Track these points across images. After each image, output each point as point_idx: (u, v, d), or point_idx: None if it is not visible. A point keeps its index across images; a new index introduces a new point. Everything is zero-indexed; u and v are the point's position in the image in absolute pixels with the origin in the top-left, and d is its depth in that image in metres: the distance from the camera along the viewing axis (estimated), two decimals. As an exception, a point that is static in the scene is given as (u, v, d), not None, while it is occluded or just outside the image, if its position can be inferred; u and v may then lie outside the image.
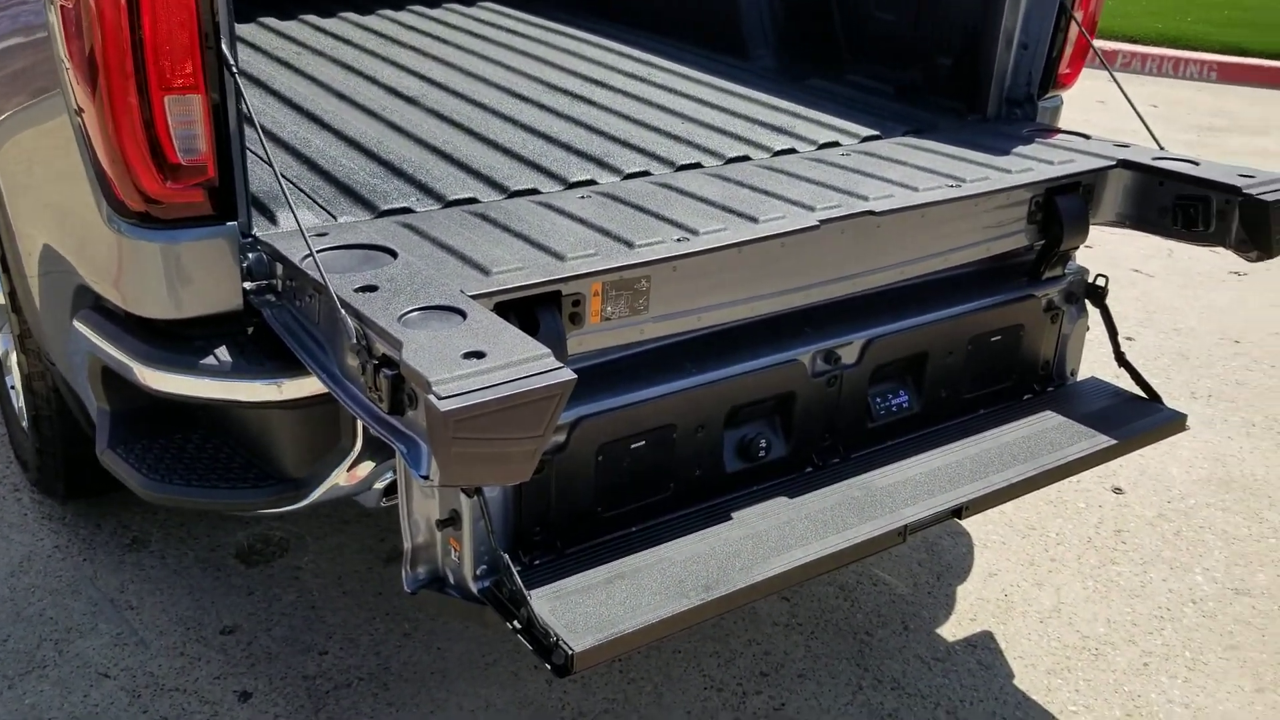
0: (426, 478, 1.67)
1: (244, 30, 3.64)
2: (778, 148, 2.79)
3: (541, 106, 3.00)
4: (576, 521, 2.15)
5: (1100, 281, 2.81)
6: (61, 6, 1.93)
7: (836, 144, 2.86)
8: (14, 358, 3.03)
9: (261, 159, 2.30)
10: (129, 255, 2.03)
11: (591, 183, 2.51)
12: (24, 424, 3.10)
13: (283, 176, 2.32)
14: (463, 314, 1.78)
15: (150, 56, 1.88)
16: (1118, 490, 3.59)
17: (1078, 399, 2.75)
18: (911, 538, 3.10)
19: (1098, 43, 9.54)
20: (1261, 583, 3.20)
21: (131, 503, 3.21)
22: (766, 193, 2.43)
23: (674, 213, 2.29)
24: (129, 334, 2.11)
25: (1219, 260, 5.43)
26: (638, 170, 2.58)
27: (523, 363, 1.64)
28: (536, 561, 2.10)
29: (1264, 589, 3.17)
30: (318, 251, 1.91)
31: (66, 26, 1.93)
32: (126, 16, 1.86)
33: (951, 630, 2.94)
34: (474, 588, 2.00)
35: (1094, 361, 3.60)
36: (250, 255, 2.05)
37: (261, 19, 3.79)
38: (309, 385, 2.05)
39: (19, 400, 3.11)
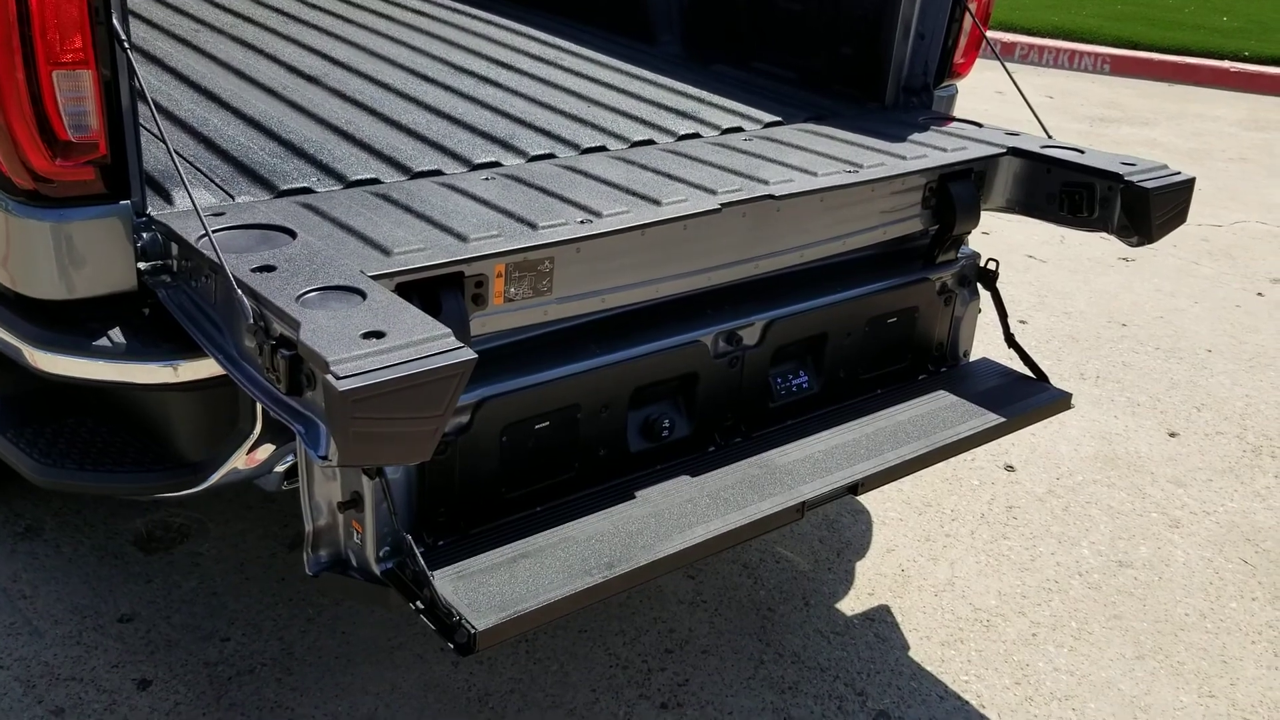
0: (325, 458, 1.66)
1: (138, 5, 3.55)
2: (682, 132, 2.82)
3: (446, 88, 2.99)
4: (481, 502, 2.16)
5: (991, 265, 2.91)
6: (-58, -23, 1.87)
7: (740, 129, 2.90)
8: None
9: (155, 136, 2.25)
10: (17, 234, 1.98)
11: (496, 165, 2.51)
12: (-93, 410, 2.99)
13: (178, 155, 2.28)
14: (362, 294, 1.77)
15: (37, 30, 1.83)
16: (1009, 468, 3.72)
17: (970, 379, 2.84)
18: (812, 515, 3.17)
19: (995, 34, 9.79)
20: (1143, 555, 3.35)
21: (24, 490, 3.12)
22: (670, 176, 2.46)
23: (578, 195, 2.30)
24: (18, 315, 2.05)
25: (1108, 247, 5.63)
26: (543, 153, 2.59)
27: (423, 342, 1.65)
28: (440, 543, 2.11)
29: (1145, 561, 3.32)
30: (214, 231, 1.88)
31: (-52, 0, 1.87)
32: (12, -11, 1.81)
33: (850, 604, 3.02)
34: (377, 569, 2.00)
35: (986, 343, 3.72)
36: (144, 235, 2.01)
37: (157, -6, 3.70)
38: (206, 367, 2.02)
39: (-99, 385, 3.00)
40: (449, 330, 1.68)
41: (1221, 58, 9.56)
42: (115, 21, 1.89)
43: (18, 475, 2.22)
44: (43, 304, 2.05)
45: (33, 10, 1.82)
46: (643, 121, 2.88)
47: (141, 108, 2.01)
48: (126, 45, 1.90)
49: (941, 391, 2.75)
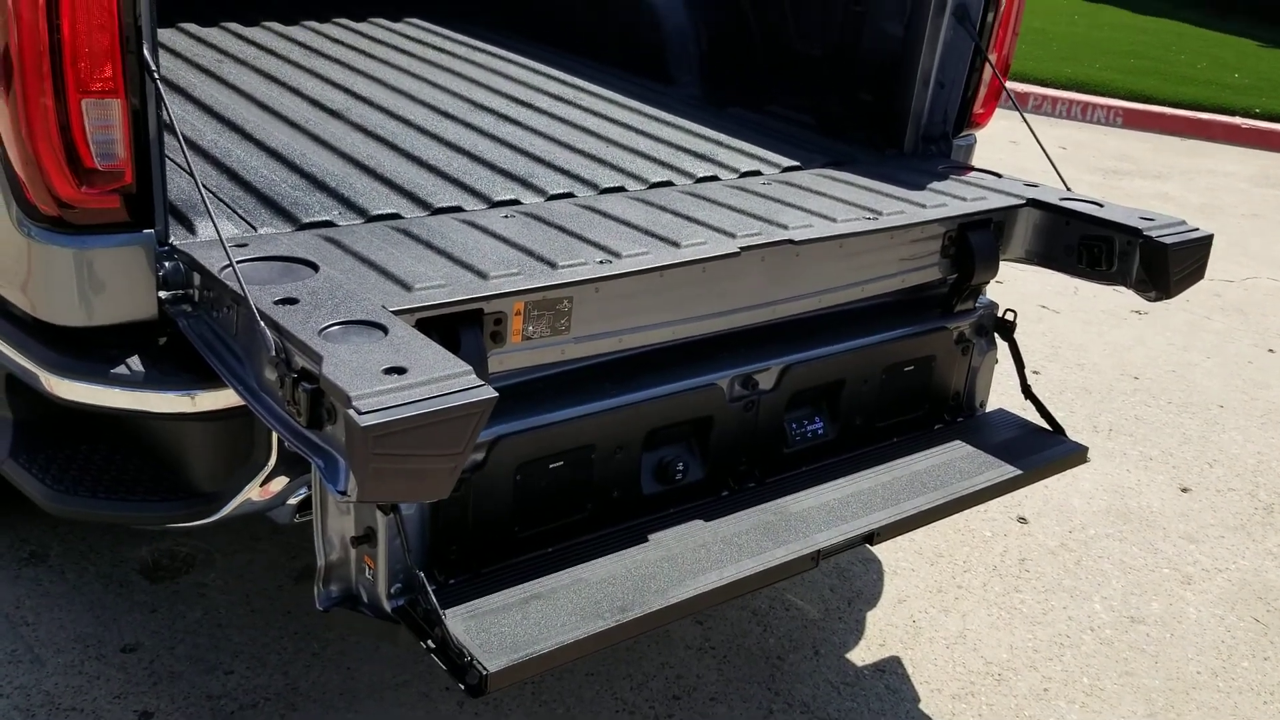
0: (344, 493, 1.65)
1: (163, 35, 3.57)
2: (700, 174, 2.83)
3: (467, 125, 3.00)
4: (493, 541, 2.15)
5: (1009, 316, 2.90)
6: (-23, 4, 1.88)
7: (758, 173, 2.91)
8: (-91, 363, 2.92)
9: (181, 167, 2.26)
10: (39, 260, 1.98)
11: (516, 202, 2.52)
12: (-83, 432, 2.98)
13: (203, 185, 2.29)
14: (384, 329, 1.77)
15: (69, 58, 1.85)
16: (1022, 520, 3.69)
17: (986, 430, 2.83)
18: (825, 563, 3.15)
19: (1011, 85, 9.85)
20: (1155, 611, 3.31)
21: (30, 515, 3.10)
22: (689, 218, 2.46)
23: (597, 235, 2.31)
24: (36, 341, 2.05)
25: (1121, 299, 5.63)
26: (562, 191, 2.60)
27: (444, 380, 1.64)
28: (452, 581, 2.09)
29: (1158, 617, 3.28)
30: (237, 262, 1.88)
31: (-18, 28, 1.88)
32: (45, 17, 1.82)
33: (861, 655, 2.99)
34: (388, 606, 1.98)
35: (1001, 393, 3.71)
36: (166, 264, 2.02)
37: (182, 24, 3.73)
38: (223, 398, 2.01)
39: (-87, 407, 3.00)
40: (470, 368, 1.68)
41: (1233, 114, 9.61)
42: (145, 52, 1.90)
43: (24, 499, 2.21)
44: (61, 330, 2.05)
45: (64, 38, 1.84)
46: (661, 163, 2.89)
47: (168, 138, 2.02)
48: (156, 75, 1.91)
49: (958, 441, 2.73)
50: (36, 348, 2.05)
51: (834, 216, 2.54)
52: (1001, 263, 2.82)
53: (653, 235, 2.34)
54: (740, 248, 2.31)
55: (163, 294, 2.02)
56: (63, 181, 1.91)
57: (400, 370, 1.64)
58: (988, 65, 3.11)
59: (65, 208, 1.93)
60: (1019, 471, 2.64)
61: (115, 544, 3.09)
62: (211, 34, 3.65)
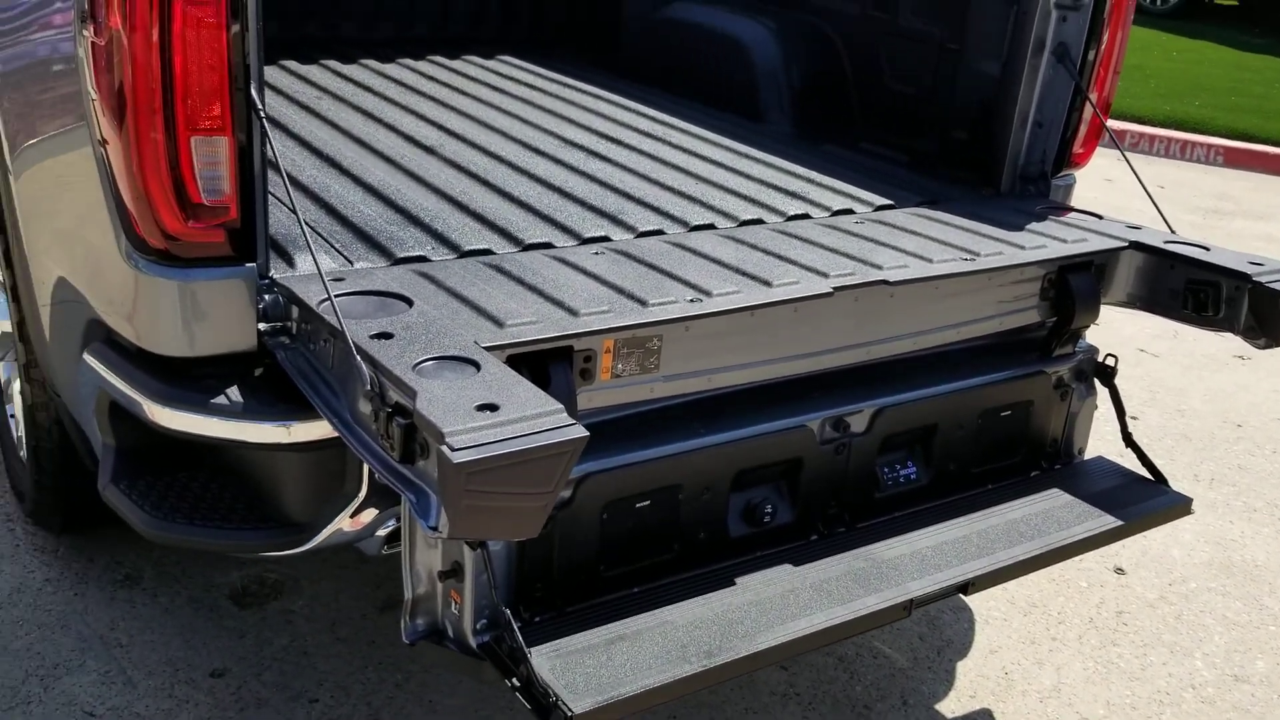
0: (435, 529, 1.65)
1: (267, 73, 3.68)
2: (791, 212, 2.81)
3: (557, 161, 3.03)
4: (579, 579, 2.13)
5: (1110, 361, 2.82)
6: (92, 43, 1.95)
7: (851, 211, 2.88)
8: (16, 386, 3.02)
9: (284, 204, 2.31)
10: (145, 292, 2.03)
11: (606, 239, 2.52)
12: (22, 454, 3.08)
13: (303, 221, 2.33)
14: (477, 365, 1.78)
15: (179, 96, 1.90)
16: (1120, 571, 3.57)
17: (1085, 478, 2.74)
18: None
19: (1109, 123, 9.66)
20: (1261, 670, 3.16)
21: (126, 538, 3.18)
22: (780, 257, 2.44)
23: (687, 273, 2.29)
24: (140, 370, 2.10)
25: (1224, 343, 5.44)
26: (652, 229, 2.60)
27: (536, 417, 1.64)
28: (537, 619, 2.07)
29: (1263, 677, 3.14)
30: (335, 296, 1.91)
31: (96, 61, 1.95)
32: (158, 55, 1.88)
33: (951, 706, 2.90)
34: (473, 642, 1.97)
35: (1100, 440, 3.60)
36: (267, 297, 2.05)
37: (283, 62, 3.83)
38: (317, 429, 2.04)
39: (18, 430, 3.09)
40: (561, 406, 1.67)
41: (1340, 153, 9.29)
42: (253, 90, 1.95)
43: (120, 522, 2.26)
44: (164, 360, 2.09)
45: (176, 77, 1.89)
46: (752, 200, 2.87)
47: (271, 174, 2.06)
48: (262, 113, 1.95)
49: (1056, 490, 2.65)
50: (140, 376, 2.09)
51: (929, 257, 2.50)
52: (1102, 306, 2.74)
53: (744, 274, 2.32)
54: (833, 288, 2.28)
55: (262, 326, 2.06)
56: (170, 216, 1.96)
57: (493, 407, 1.64)
58: (1088, 104, 3.05)
59: (172, 241, 1.98)
60: (1120, 522, 2.55)
61: (206, 568, 3.14)
62: (311, 71, 3.74)
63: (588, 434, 1.63)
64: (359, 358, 1.78)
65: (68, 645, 2.81)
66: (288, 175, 2.64)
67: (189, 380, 2.07)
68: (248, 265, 2.03)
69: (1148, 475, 2.77)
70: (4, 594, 2.96)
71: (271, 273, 2.08)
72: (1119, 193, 7.60)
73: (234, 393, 2.04)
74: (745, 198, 2.89)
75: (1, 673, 2.70)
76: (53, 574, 3.06)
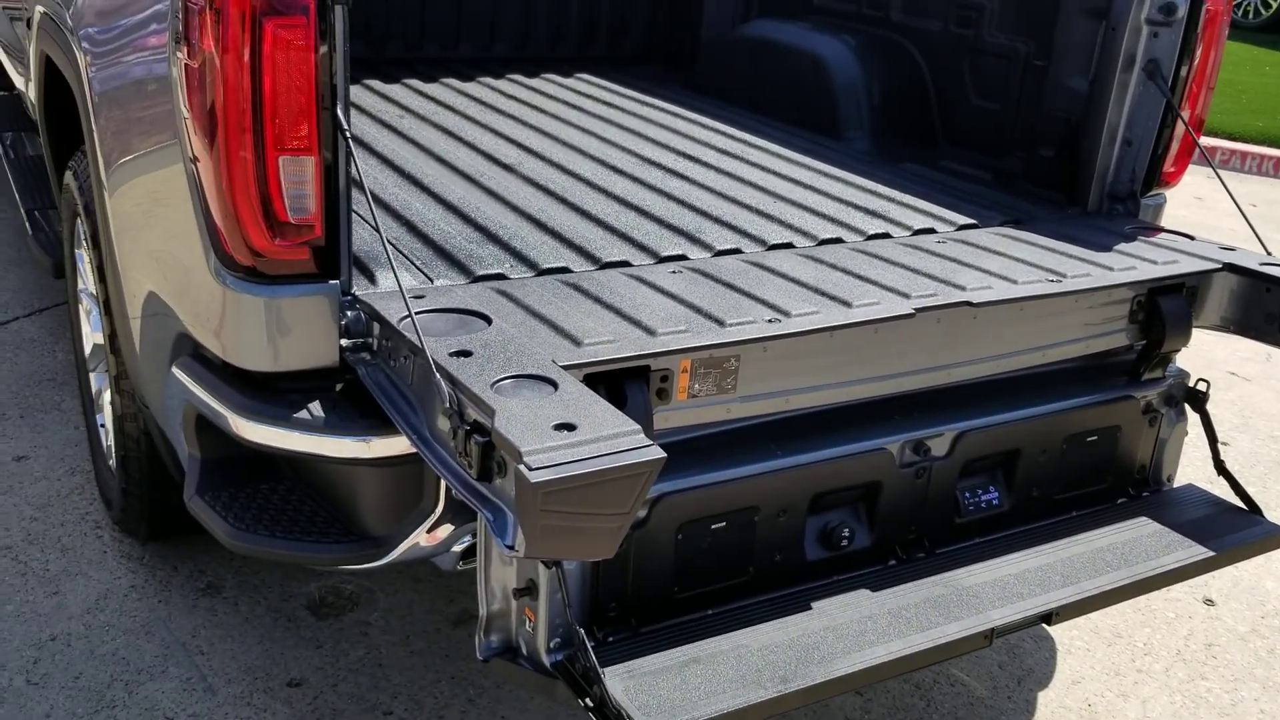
0: (512, 548, 1.66)
1: (351, 91, 3.74)
2: (871, 231, 2.77)
3: (635, 179, 3.03)
4: (653, 600, 2.12)
5: (1201, 386, 2.73)
6: (185, 64, 2.00)
7: (932, 230, 2.83)
8: (107, 396, 3.10)
9: (368, 222, 2.35)
10: (232, 307, 2.07)
11: (683, 258, 2.51)
12: (111, 463, 3.16)
13: (386, 239, 2.36)
14: (554, 384, 1.78)
15: (268, 116, 1.94)
16: (1209, 602, 3.45)
17: (1174, 506, 2.66)
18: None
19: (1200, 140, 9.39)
20: (1363, 711, 3.03)
21: (209, 547, 3.24)
22: (860, 277, 2.41)
23: (765, 293, 2.27)
24: (226, 384, 2.14)
25: (1319, 367, 5.26)
26: (729, 247, 2.58)
27: (613, 438, 1.63)
28: (611, 639, 2.07)
29: (1365, 718, 3.01)
30: (416, 314, 1.93)
31: (189, 81, 2.00)
32: (249, 76, 1.92)
33: (1030, 738, 2.83)
34: (547, 660, 1.97)
35: (1187, 466, 3.49)
36: (349, 313, 2.08)
37: (366, 81, 3.90)
38: (396, 444, 2.06)
39: (108, 439, 3.17)
40: (639, 427, 1.66)
41: None
42: (339, 111, 1.98)
43: (203, 532, 2.30)
44: (248, 374, 2.13)
45: (266, 98, 1.93)
46: (831, 219, 2.84)
47: (355, 192, 2.09)
48: (347, 133, 1.99)
49: (1143, 518, 2.57)
50: (225, 390, 2.14)
51: (1014, 278, 2.45)
52: (1195, 329, 2.66)
53: (823, 294, 2.29)
54: (915, 309, 2.24)
55: (344, 342, 2.08)
56: (258, 234, 1.99)
57: (570, 427, 1.64)
58: (1180, 121, 2.97)
59: (259, 258, 2.02)
60: (1210, 553, 2.47)
61: (285, 579, 3.19)
62: (394, 90, 3.80)
63: (665, 455, 1.62)
64: (438, 375, 1.80)
65: (151, 651, 2.87)
66: (371, 193, 2.69)
67: (273, 394, 2.10)
68: (331, 282, 2.06)
69: (1240, 504, 2.68)
70: (92, 599, 3.04)
71: (354, 290, 2.11)
72: (1210, 211, 7.40)
73: (316, 407, 2.07)
74: (824, 216, 2.86)
75: (88, 676, 2.77)
76: (138, 580, 3.13)
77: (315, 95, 1.95)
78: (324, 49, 1.94)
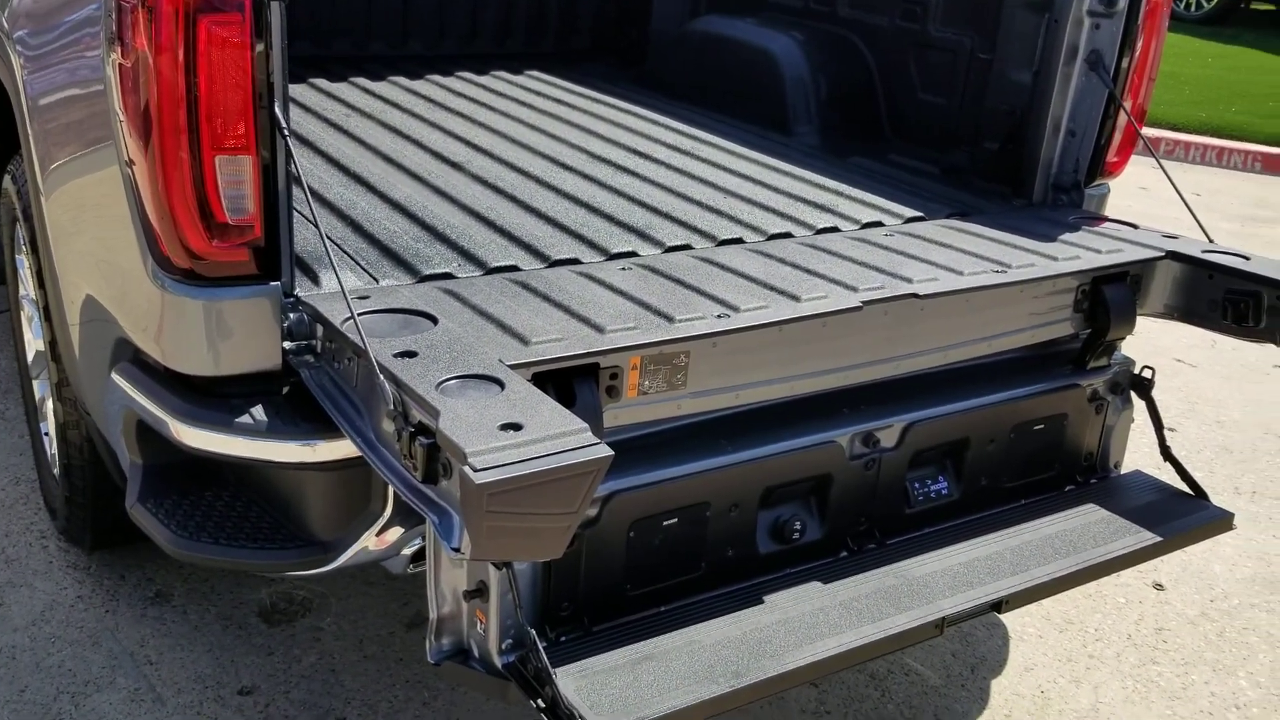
0: (458, 550, 1.64)
1: (293, 91, 3.70)
2: (820, 225, 2.78)
3: (585, 176, 3.02)
4: (605, 598, 2.11)
5: (1146, 373, 2.77)
6: (119, 64, 1.96)
7: (880, 224, 2.85)
8: (49, 405, 3.04)
9: (308, 220, 2.31)
10: (171, 311, 2.04)
11: (633, 254, 2.50)
12: (55, 471, 3.10)
13: (328, 238, 2.33)
14: (501, 384, 1.76)
15: (204, 116, 1.90)
16: (1159, 586, 3.50)
17: (1122, 493, 2.69)
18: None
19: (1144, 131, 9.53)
20: (1308, 690, 3.09)
21: (156, 555, 3.19)
22: (809, 271, 2.41)
23: (715, 288, 2.27)
24: (166, 389, 2.10)
25: (1263, 353, 5.34)
26: (679, 244, 2.58)
27: (560, 437, 1.62)
28: (563, 638, 2.06)
29: (1311, 697, 3.06)
30: (359, 315, 1.90)
31: (123, 82, 1.96)
32: (183, 75, 1.89)
33: (985, 726, 2.85)
34: (498, 662, 1.96)
35: (1135, 453, 3.53)
36: (291, 315, 2.05)
37: (311, 80, 3.85)
38: (342, 448, 2.03)
39: (51, 447, 3.12)
40: (586, 426, 1.65)
41: (1383, 158, 9.12)
42: (277, 109, 1.95)
43: (151, 540, 2.26)
44: (189, 379, 2.10)
45: (201, 96, 1.90)
46: (780, 214, 2.85)
47: (295, 191, 2.06)
48: (286, 132, 1.96)
49: (1091, 505, 2.60)
50: (166, 395, 2.10)
51: (960, 269, 2.46)
52: (1139, 317, 2.69)
53: (771, 288, 2.29)
54: (862, 302, 2.25)
55: (287, 345, 2.05)
56: (195, 235, 1.96)
57: (516, 427, 1.63)
58: (1122, 112, 3.00)
59: (197, 260, 1.99)
60: (1158, 538, 2.50)
61: (235, 586, 3.14)
62: (340, 88, 3.76)
63: (612, 454, 1.61)
64: (382, 376, 1.77)
65: (98, 662, 2.82)
66: (312, 192, 2.65)
67: (215, 399, 2.07)
68: (272, 284, 2.03)
69: (1187, 489, 2.72)
70: (37, 610, 2.98)
71: (297, 291, 2.08)
72: (1154, 201, 7.51)
73: (259, 412, 2.04)
74: (773, 211, 2.86)
75: (34, 690, 2.71)
76: (85, 591, 3.07)
77: (252, 93, 1.92)
78: (260, 46, 1.91)
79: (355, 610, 3.09)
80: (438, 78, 4.04)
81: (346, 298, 1.92)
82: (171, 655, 2.86)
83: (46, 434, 3.19)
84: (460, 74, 4.12)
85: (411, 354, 1.83)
